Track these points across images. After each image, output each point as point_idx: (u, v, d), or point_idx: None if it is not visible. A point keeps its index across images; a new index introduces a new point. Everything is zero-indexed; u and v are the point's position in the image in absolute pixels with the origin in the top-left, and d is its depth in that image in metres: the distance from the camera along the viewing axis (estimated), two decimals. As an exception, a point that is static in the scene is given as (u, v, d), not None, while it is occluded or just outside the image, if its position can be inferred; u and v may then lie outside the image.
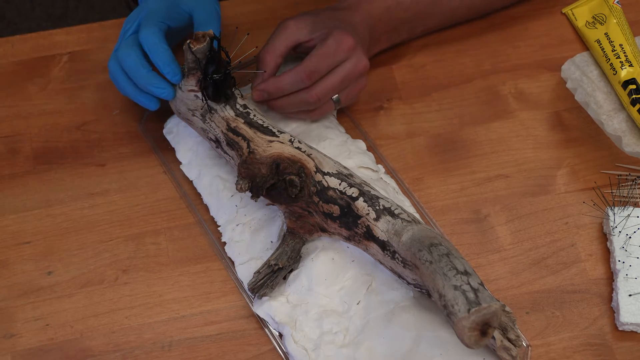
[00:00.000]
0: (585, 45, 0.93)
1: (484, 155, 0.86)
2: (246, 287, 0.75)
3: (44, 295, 0.77)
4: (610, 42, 0.89)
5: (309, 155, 0.75)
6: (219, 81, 0.76)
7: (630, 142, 0.83)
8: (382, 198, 0.72)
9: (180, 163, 0.84)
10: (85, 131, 0.88)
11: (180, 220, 0.82)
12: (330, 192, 0.73)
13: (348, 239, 0.74)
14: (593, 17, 0.92)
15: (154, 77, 0.78)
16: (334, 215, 0.73)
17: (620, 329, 0.74)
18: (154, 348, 0.75)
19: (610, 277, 0.77)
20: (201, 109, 0.78)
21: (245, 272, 0.77)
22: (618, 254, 0.76)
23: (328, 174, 0.74)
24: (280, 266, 0.74)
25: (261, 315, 0.74)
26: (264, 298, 0.74)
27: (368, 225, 0.71)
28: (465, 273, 0.61)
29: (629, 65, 0.86)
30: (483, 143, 0.87)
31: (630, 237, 0.77)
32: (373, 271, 0.75)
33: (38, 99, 0.90)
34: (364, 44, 0.83)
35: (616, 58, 0.87)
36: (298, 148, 0.75)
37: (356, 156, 0.82)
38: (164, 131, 0.86)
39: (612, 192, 0.81)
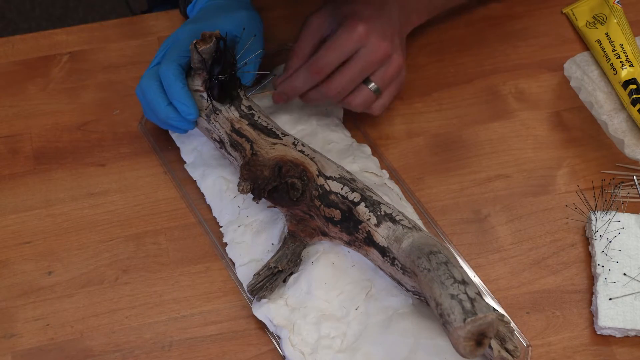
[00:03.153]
0: (585, 45, 0.93)
1: (484, 155, 0.86)
2: (246, 288, 0.75)
3: (44, 295, 0.77)
4: (611, 42, 0.89)
5: (312, 159, 0.75)
6: (224, 82, 0.76)
7: (631, 143, 0.83)
8: (383, 204, 0.72)
9: (182, 163, 0.84)
10: (85, 131, 0.88)
11: (180, 220, 0.82)
12: (332, 197, 0.73)
13: (348, 243, 0.74)
14: (593, 17, 0.92)
15: (172, 112, 0.78)
16: (335, 219, 0.73)
17: (598, 332, 0.74)
18: (154, 348, 0.74)
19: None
20: (206, 109, 0.78)
21: (246, 273, 0.77)
22: (599, 258, 0.76)
23: (330, 178, 0.74)
24: (280, 269, 0.74)
25: (259, 318, 0.74)
26: (263, 300, 0.74)
27: (369, 230, 0.71)
28: (463, 282, 0.61)
29: (630, 65, 0.86)
30: (483, 143, 0.87)
31: (610, 242, 0.77)
32: (373, 277, 0.74)
33: (38, 99, 0.90)
34: (389, 24, 0.80)
35: (616, 58, 0.87)
36: (301, 151, 0.75)
37: (360, 161, 0.82)
38: (170, 130, 0.86)
39: (594, 197, 0.82)
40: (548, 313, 0.76)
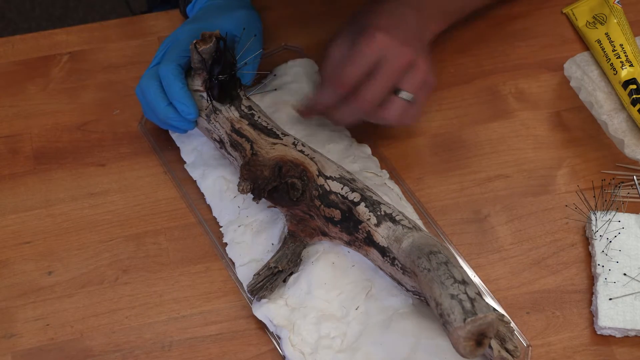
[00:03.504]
0: (585, 45, 0.93)
1: (484, 155, 0.86)
2: (246, 288, 0.75)
3: (44, 295, 0.77)
4: (611, 42, 0.89)
5: (312, 159, 0.75)
6: (224, 82, 0.76)
7: (631, 143, 0.83)
8: (383, 204, 0.72)
9: (183, 163, 0.84)
10: (85, 131, 0.88)
11: (180, 220, 0.82)
12: (332, 197, 0.73)
13: (349, 243, 0.74)
14: (593, 17, 0.92)
15: (172, 112, 0.78)
16: (335, 219, 0.73)
17: (598, 332, 0.74)
18: (154, 348, 0.74)
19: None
20: (206, 109, 0.78)
21: (246, 273, 0.77)
22: (599, 258, 0.76)
23: (330, 178, 0.74)
24: (280, 269, 0.74)
25: (259, 318, 0.74)
26: (263, 300, 0.74)
27: (369, 230, 0.71)
28: (463, 282, 0.61)
29: (630, 65, 0.86)
30: (483, 143, 0.87)
31: (610, 242, 0.77)
32: (373, 277, 0.74)
33: (38, 99, 0.90)
34: (408, 30, 0.79)
35: (616, 58, 0.87)
36: (301, 151, 0.75)
37: (360, 161, 0.82)
38: (170, 130, 0.86)
39: (594, 197, 0.82)
40: (548, 313, 0.76)
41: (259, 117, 0.78)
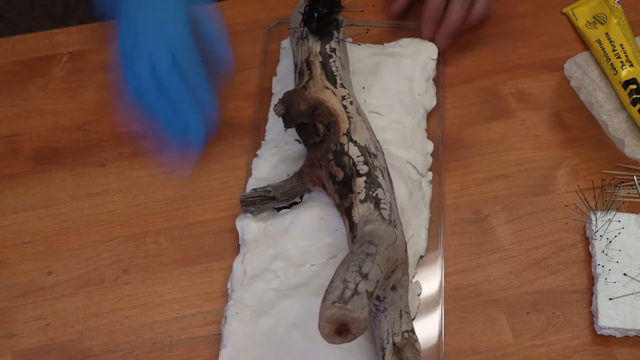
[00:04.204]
0: (585, 45, 0.93)
1: (484, 155, 0.86)
2: (240, 197, 0.78)
3: (44, 295, 0.77)
4: (611, 42, 0.89)
5: (350, 118, 0.75)
6: (321, 15, 0.78)
7: (631, 143, 0.83)
8: (382, 189, 0.72)
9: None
10: (86, 131, 0.88)
11: (180, 220, 0.82)
12: (345, 158, 0.73)
13: (337, 206, 0.75)
14: (593, 17, 0.92)
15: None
16: (336, 179, 0.74)
17: (598, 332, 0.74)
18: (154, 348, 0.74)
19: (611, 277, 0.78)
20: (299, 32, 0.80)
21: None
22: (599, 258, 0.76)
23: (354, 142, 0.74)
24: (273, 196, 0.76)
25: (237, 227, 0.77)
26: (248, 215, 0.77)
27: (352, 202, 0.71)
28: (364, 277, 0.61)
29: (630, 65, 0.86)
30: (483, 143, 0.87)
31: (610, 242, 0.77)
32: (345, 248, 0.75)
33: (38, 99, 0.90)
34: None
35: (617, 58, 0.87)
36: (345, 106, 0.76)
37: (413, 151, 0.82)
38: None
39: (594, 197, 0.81)
40: (548, 313, 0.76)
41: (334, 62, 0.79)
